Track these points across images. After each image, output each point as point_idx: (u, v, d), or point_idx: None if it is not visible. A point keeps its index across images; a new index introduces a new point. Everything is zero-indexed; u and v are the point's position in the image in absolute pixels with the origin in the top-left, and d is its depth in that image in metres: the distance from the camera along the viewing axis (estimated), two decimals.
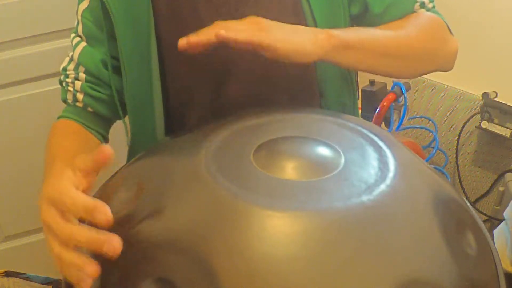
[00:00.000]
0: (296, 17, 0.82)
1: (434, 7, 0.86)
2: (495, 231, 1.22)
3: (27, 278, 1.25)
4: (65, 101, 0.89)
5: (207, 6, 0.81)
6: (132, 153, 0.91)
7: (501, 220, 1.26)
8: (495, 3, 1.53)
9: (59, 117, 0.88)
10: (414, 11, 0.84)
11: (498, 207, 1.63)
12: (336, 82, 0.86)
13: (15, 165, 1.64)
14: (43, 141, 1.73)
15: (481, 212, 1.68)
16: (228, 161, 0.58)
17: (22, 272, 1.26)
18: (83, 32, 0.86)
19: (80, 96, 0.86)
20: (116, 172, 0.70)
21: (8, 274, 1.25)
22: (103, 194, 0.65)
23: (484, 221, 1.67)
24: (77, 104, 0.87)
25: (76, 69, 0.86)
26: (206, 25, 0.70)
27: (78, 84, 0.85)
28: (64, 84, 0.88)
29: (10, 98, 1.55)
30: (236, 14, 0.79)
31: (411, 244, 0.52)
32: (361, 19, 0.85)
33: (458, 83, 1.67)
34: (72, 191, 0.52)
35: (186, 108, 0.86)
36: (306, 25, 0.80)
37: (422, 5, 0.84)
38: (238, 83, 0.83)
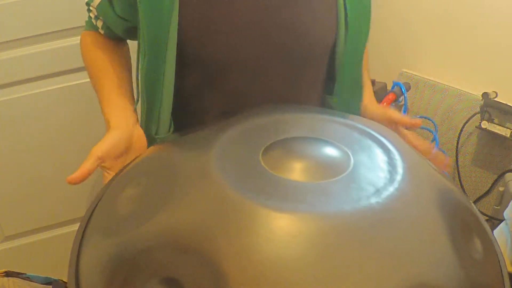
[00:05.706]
0: (330, 11, 0.86)
1: None
2: (495, 231, 1.22)
3: (27, 278, 1.24)
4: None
5: None
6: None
7: (501, 220, 1.26)
8: (495, 3, 1.54)
9: (86, 26, 0.98)
10: None
11: (498, 207, 1.63)
12: (350, 85, 0.92)
13: (15, 165, 1.63)
14: (43, 141, 1.73)
15: (481, 212, 1.68)
16: (236, 161, 0.58)
17: (22, 272, 1.26)
18: None
19: (101, 31, 0.95)
20: (123, 168, 0.69)
21: (8, 274, 1.24)
22: (110, 190, 0.64)
23: None
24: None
25: (97, 11, 0.92)
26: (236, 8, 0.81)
27: (99, 23, 0.94)
28: (88, 11, 0.96)
29: (10, 98, 1.54)
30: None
31: (418, 247, 0.52)
32: None
33: (458, 83, 1.67)
34: (101, 151, 0.77)
35: (207, 91, 0.88)
36: (336, 15, 0.86)
37: None
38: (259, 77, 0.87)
